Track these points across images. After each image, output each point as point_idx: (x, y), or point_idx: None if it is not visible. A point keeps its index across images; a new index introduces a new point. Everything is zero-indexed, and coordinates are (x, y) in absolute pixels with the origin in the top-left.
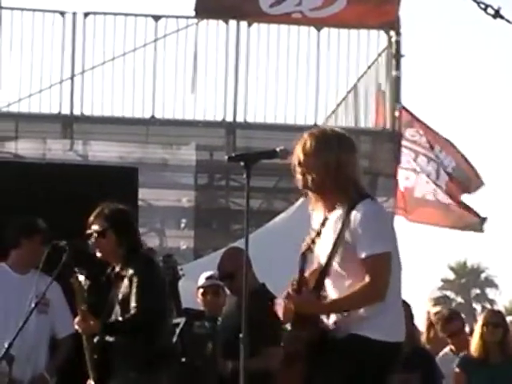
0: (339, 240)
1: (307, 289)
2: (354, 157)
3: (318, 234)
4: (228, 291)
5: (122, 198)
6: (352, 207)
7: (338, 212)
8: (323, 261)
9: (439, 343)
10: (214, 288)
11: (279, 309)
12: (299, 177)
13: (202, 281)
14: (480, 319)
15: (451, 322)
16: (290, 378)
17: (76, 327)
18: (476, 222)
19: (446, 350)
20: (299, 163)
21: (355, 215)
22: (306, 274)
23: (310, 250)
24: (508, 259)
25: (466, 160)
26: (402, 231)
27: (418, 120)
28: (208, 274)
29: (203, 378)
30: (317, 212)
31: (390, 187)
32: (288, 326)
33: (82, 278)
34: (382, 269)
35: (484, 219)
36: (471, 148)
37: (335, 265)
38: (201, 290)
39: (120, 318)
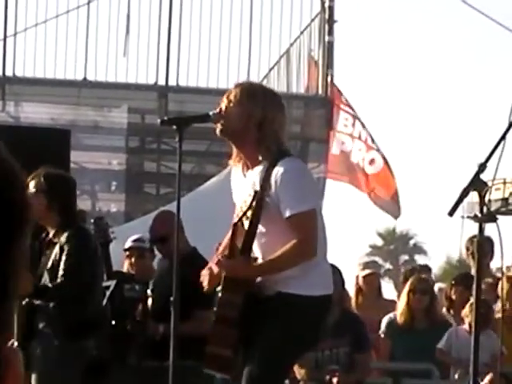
0: (260, 199)
1: (237, 252)
2: (279, 115)
3: (251, 206)
4: (159, 254)
5: (55, 160)
6: (273, 164)
7: (258, 169)
8: (246, 222)
9: (368, 308)
10: (139, 250)
11: (204, 279)
12: (219, 124)
13: (128, 243)
14: (407, 285)
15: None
16: (222, 342)
17: None
18: (394, 210)
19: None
20: (221, 110)
21: (276, 173)
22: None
23: (241, 222)
24: (436, 226)
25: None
26: (331, 196)
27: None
28: (135, 236)
29: (133, 341)
30: (236, 168)
31: (322, 153)
32: (219, 291)
33: None
34: (309, 226)
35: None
36: (398, 117)
37: (260, 225)
38: (126, 253)
39: (49, 285)
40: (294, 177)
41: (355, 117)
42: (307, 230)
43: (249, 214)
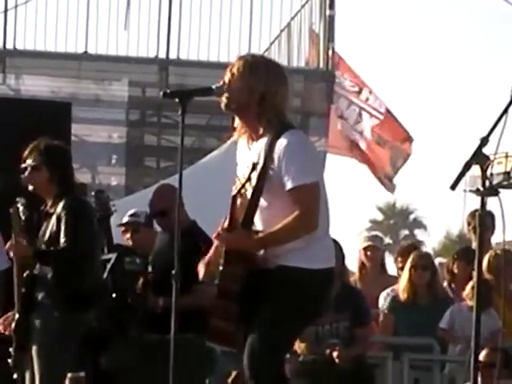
0: (263, 171)
1: (237, 225)
2: (282, 88)
3: (249, 178)
4: (159, 228)
5: (56, 133)
6: (276, 137)
7: (262, 142)
8: (249, 195)
9: (371, 283)
10: (134, 225)
11: (200, 270)
12: (223, 98)
13: (124, 219)
14: (408, 261)
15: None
16: (224, 315)
17: (9, 252)
18: (389, 185)
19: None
20: (224, 84)
21: (279, 145)
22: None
23: (240, 194)
24: (436, 200)
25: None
26: (331, 170)
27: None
28: (131, 211)
29: (134, 314)
30: (242, 141)
31: (322, 127)
32: (219, 265)
33: (21, 208)
34: (311, 199)
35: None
36: (402, 92)
37: (261, 198)
38: (122, 228)
39: (52, 248)
40: (296, 149)
41: (361, 83)
42: (309, 203)
43: (247, 186)
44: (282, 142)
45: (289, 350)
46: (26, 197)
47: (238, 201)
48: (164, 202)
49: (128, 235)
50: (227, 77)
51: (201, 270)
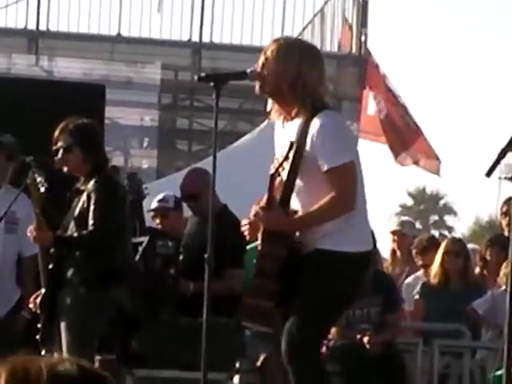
0: (298, 152)
1: (275, 206)
2: (317, 68)
3: (287, 157)
4: (189, 211)
5: (89, 115)
6: (311, 118)
7: (297, 122)
8: (285, 175)
9: (404, 265)
10: (162, 211)
11: (245, 230)
12: (257, 81)
13: (153, 204)
14: (441, 247)
15: (426, 254)
16: (261, 294)
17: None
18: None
19: (419, 273)
20: (257, 69)
21: (314, 126)
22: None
23: (277, 173)
24: (467, 186)
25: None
26: (362, 155)
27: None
28: (160, 196)
29: (166, 297)
30: (278, 123)
31: (354, 111)
32: (258, 245)
33: (39, 178)
34: (348, 179)
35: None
36: (433, 77)
37: (298, 179)
38: (151, 214)
39: (75, 234)
40: (331, 130)
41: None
42: (345, 184)
43: (285, 165)
44: (316, 123)
45: (327, 333)
46: (54, 179)
47: (277, 180)
48: (195, 186)
49: (158, 220)
50: (261, 60)
51: (245, 229)
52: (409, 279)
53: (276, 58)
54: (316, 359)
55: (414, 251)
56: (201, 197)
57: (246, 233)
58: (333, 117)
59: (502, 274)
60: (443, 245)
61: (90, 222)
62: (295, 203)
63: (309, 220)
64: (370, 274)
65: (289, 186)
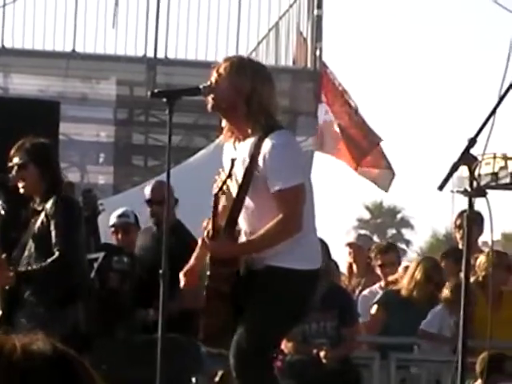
0: (249, 172)
1: (220, 230)
2: (268, 88)
3: (230, 175)
4: (151, 221)
5: (44, 132)
6: (263, 137)
7: (249, 142)
8: (234, 194)
9: (360, 279)
10: (125, 226)
11: (182, 278)
12: (210, 99)
13: (113, 219)
14: (420, 267)
15: (387, 253)
16: (215, 316)
17: None
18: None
19: (375, 287)
20: (211, 84)
21: (266, 145)
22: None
23: (221, 191)
24: (423, 200)
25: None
26: (319, 169)
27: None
28: (119, 211)
29: (121, 314)
30: (228, 144)
31: (310, 126)
32: (207, 268)
33: None
34: (295, 202)
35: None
36: (387, 90)
37: (247, 198)
38: (112, 229)
39: (37, 266)
40: (281, 152)
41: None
42: (292, 206)
43: (228, 182)
44: (268, 143)
45: (275, 349)
46: (9, 196)
47: (222, 199)
48: (162, 196)
49: (118, 236)
50: (213, 77)
51: (182, 279)
52: (365, 292)
53: (230, 74)
54: (263, 372)
55: (373, 253)
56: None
57: (181, 282)
58: (285, 137)
59: (446, 291)
60: (421, 266)
61: (54, 247)
62: (244, 223)
63: (255, 245)
64: (323, 288)
65: (238, 206)
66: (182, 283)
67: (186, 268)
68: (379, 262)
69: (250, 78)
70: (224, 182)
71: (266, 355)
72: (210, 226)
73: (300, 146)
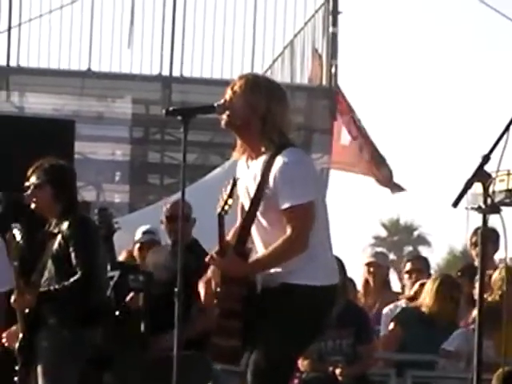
0: (261, 189)
1: (230, 248)
2: (283, 107)
3: (230, 195)
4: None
5: (59, 151)
6: (274, 155)
7: (261, 160)
8: (246, 211)
9: (376, 299)
10: (151, 243)
11: (201, 288)
12: (224, 116)
13: (138, 235)
14: (440, 285)
15: (418, 260)
16: (227, 334)
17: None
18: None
19: (401, 302)
20: (225, 102)
21: (277, 164)
22: (229, 233)
23: (224, 210)
24: (440, 217)
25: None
26: (335, 187)
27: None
28: (144, 228)
29: (137, 332)
30: (241, 162)
31: (326, 143)
32: (217, 286)
33: (17, 233)
34: (304, 219)
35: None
36: (403, 108)
37: (258, 215)
38: (137, 245)
39: (58, 286)
40: (293, 169)
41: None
42: (300, 224)
43: (229, 201)
44: (279, 161)
45: (293, 367)
46: (26, 217)
47: (225, 219)
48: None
49: (144, 253)
50: (228, 95)
51: (201, 290)
52: (388, 307)
53: (244, 92)
54: None
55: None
56: (189, 220)
57: (201, 292)
58: (296, 155)
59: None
60: (440, 283)
61: (75, 268)
62: (259, 242)
63: (263, 263)
64: (339, 306)
65: (247, 223)
66: (201, 292)
67: (205, 277)
68: (408, 268)
69: (264, 97)
70: (226, 202)
71: (283, 373)
72: (217, 246)
73: (313, 164)
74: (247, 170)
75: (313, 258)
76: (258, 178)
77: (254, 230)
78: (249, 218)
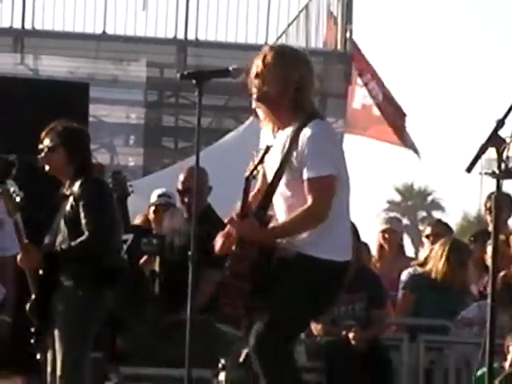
0: (286, 159)
1: (251, 213)
2: (312, 77)
3: (262, 161)
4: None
5: (73, 114)
6: (302, 127)
7: (288, 130)
8: (270, 180)
9: (389, 265)
10: (167, 205)
11: (216, 244)
12: (254, 89)
13: (154, 198)
14: (452, 251)
15: (439, 222)
16: (235, 296)
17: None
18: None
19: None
20: (257, 75)
21: (303, 135)
22: (250, 198)
23: (252, 175)
24: (454, 182)
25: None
26: (349, 151)
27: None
28: (160, 191)
29: (150, 295)
30: (266, 129)
31: (340, 108)
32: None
33: (12, 189)
34: (324, 191)
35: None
36: (417, 72)
37: (282, 185)
38: (152, 208)
39: (65, 246)
40: (317, 141)
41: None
42: (319, 195)
43: (259, 167)
44: (305, 132)
45: (296, 332)
46: (40, 179)
47: (252, 183)
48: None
49: (159, 215)
50: (259, 68)
51: (218, 242)
52: (407, 271)
53: (275, 65)
54: (280, 353)
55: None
56: (202, 192)
57: (216, 246)
58: (322, 127)
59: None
60: (452, 249)
61: (84, 227)
62: (281, 211)
63: (281, 231)
64: (352, 270)
65: (270, 191)
66: (217, 245)
67: (223, 232)
68: (427, 232)
69: (296, 68)
70: (255, 167)
71: (282, 333)
72: (238, 208)
73: (337, 137)
74: (274, 140)
75: (330, 231)
76: (284, 149)
77: (276, 198)
78: (272, 186)
